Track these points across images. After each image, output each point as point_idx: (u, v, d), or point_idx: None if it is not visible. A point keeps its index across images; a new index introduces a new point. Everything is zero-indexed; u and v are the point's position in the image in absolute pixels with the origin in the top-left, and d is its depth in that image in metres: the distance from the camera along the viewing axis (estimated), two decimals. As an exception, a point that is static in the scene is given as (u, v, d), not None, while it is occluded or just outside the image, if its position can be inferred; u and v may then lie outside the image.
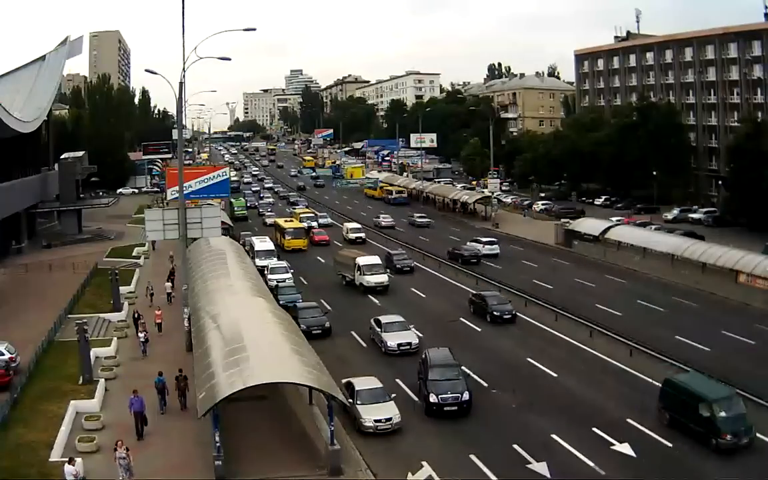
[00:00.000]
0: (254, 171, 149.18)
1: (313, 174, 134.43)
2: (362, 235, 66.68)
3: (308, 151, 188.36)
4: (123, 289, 44.40)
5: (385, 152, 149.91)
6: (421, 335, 35.47)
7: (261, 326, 27.82)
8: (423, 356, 29.18)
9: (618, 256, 54.81)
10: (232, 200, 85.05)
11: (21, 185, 64.15)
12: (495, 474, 22.20)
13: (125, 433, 23.83)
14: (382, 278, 46.86)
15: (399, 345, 33.85)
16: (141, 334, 34.18)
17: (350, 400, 25.90)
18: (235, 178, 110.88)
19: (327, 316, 38.57)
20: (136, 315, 37.00)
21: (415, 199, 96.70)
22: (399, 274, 51.59)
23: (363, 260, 47.56)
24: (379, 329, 35.08)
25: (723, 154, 78.03)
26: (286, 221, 68.09)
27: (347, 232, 67.57)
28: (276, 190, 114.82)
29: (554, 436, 24.31)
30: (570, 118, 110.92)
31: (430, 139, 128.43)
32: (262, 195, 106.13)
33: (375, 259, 48.62)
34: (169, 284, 45.71)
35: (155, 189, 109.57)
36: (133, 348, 34.60)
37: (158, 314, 37.45)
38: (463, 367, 28.59)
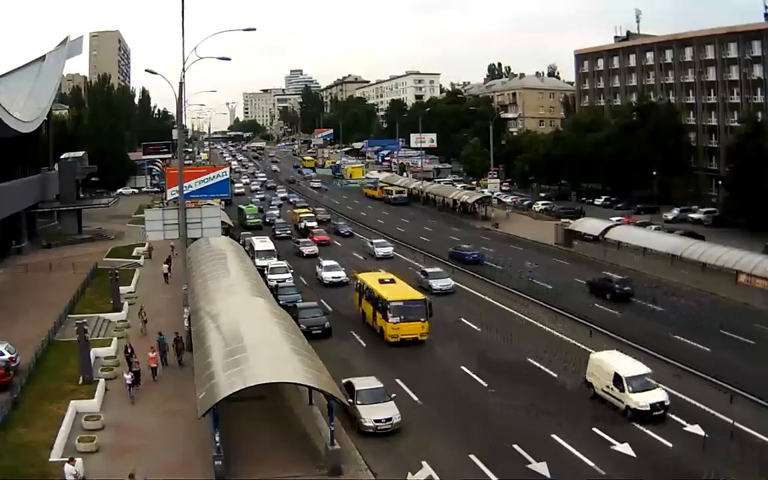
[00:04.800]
0: (261, 176, 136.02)
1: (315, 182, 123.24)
2: None
3: (308, 151, 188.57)
4: (123, 289, 44.38)
5: (385, 152, 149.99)
6: None
7: (261, 326, 27.85)
8: None
9: (618, 256, 54.75)
10: (242, 207, 79.76)
11: (21, 185, 64.11)
12: (495, 474, 22.20)
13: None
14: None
15: None
16: (127, 376, 28.47)
17: (350, 400, 25.89)
18: (241, 189, 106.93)
19: (327, 316, 38.56)
20: (128, 350, 31.10)
21: (415, 199, 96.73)
22: None
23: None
24: None
25: (723, 154, 78.00)
26: (382, 283, 38.29)
27: None
28: (291, 200, 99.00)
29: (554, 436, 24.30)
30: (570, 118, 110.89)
31: (430, 139, 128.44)
32: (272, 201, 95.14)
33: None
34: (167, 266, 50.00)
35: (155, 189, 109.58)
36: (121, 392, 28.80)
37: (152, 357, 30.83)
38: None
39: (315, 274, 50.71)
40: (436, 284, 45.50)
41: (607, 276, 45.46)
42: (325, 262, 51.04)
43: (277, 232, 69.02)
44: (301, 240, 63.46)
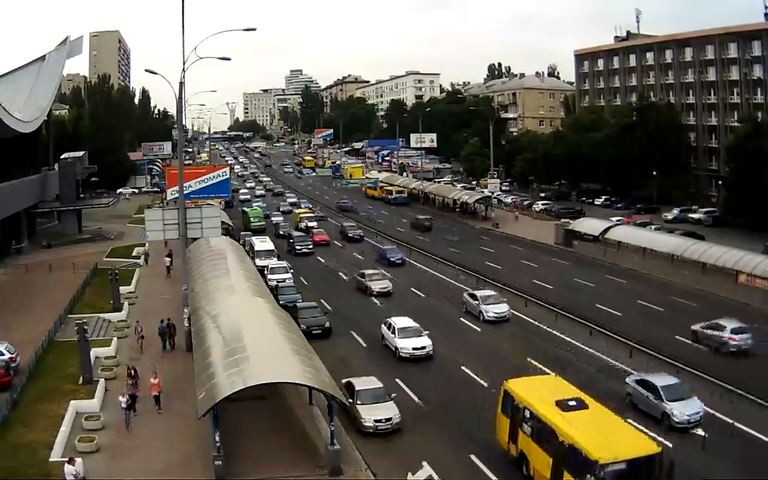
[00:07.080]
0: (266, 180, 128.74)
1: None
2: None
3: (308, 151, 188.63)
4: (123, 289, 44.38)
5: (385, 152, 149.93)
6: None
7: (261, 326, 27.85)
8: None
9: (618, 256, 54.79)
10: (246, 210, 77.64)
11: (21, 185, 64.15)
12: (495, 474, 22.19)
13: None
14: None
15: None
16: (122, 399, 25.97)
17: (350, 400, 25.90)
18: (246, 194, 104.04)
19: (327, 316, 38.56)
20: (132, 371, 28.51)
21: (415, 199, 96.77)
22: None
23: None
24: None
25: (723, 154, 78.03)
26: (566, 409, 20.46)
27: None
28: (300, 203, 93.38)
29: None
30: (570, 118, 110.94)
31: (430, 139, 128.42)
32: (280, 206, 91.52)
33: None
34: (168, 260, 51.92)
35: (155, 189, 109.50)
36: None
37: (155, 384, 27.41)
38: None
39: (381, 337, 34.73)
40: (680, 412, 24.68)
41: (417, 217, 76.20)
42: (399, 321, 34.10)
43: (297, 247, 59.87)
44: (368, 272, 46.69)
